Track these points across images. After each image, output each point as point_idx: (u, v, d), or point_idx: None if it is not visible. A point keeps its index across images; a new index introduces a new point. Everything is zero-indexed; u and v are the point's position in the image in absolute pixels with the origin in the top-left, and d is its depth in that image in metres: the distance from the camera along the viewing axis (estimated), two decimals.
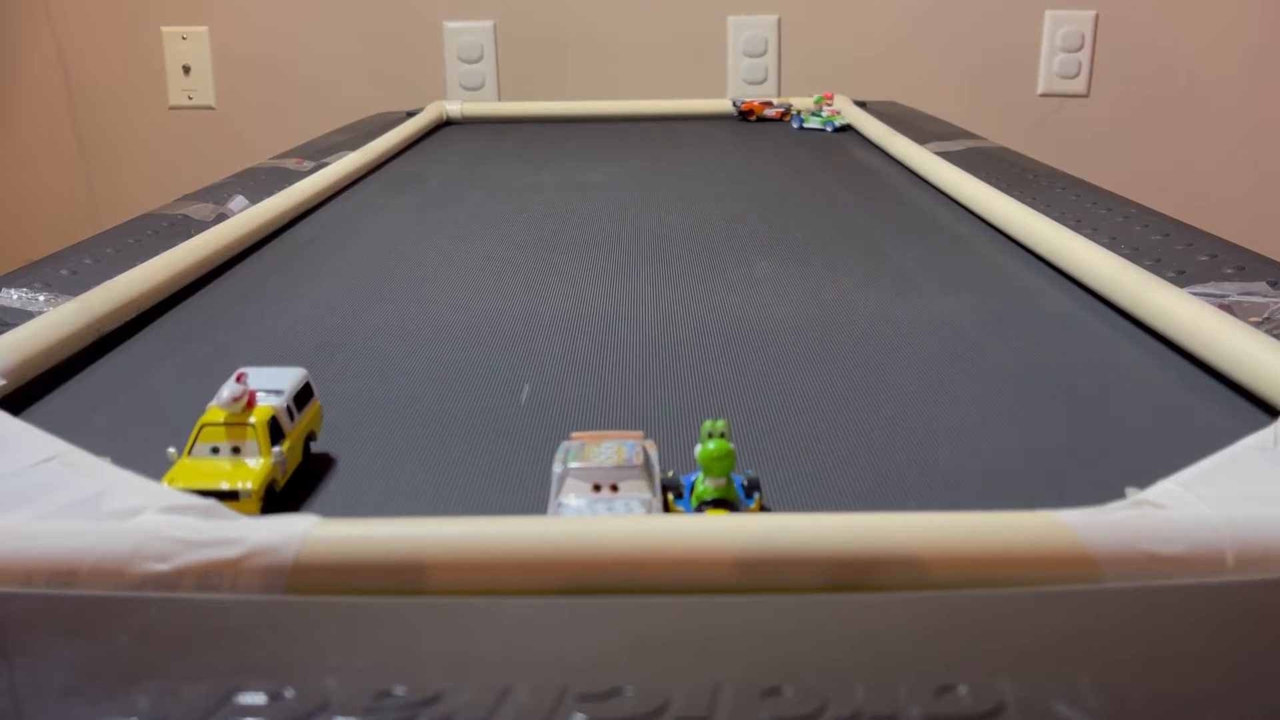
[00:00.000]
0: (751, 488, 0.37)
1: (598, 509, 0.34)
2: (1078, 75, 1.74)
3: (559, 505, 0.35)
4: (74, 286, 0.62)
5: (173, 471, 0.37)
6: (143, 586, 0.29)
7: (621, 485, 0.35)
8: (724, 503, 0.34)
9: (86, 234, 0.80)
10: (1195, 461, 0.36)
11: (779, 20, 1.75)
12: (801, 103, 1.37)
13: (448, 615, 0.28)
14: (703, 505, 0.35)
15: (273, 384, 0.40)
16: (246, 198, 0.90)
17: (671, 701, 0.24)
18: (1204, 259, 0.67)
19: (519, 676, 0.25)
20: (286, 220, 0.84)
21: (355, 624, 0.28)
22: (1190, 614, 0.28)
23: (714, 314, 0.61)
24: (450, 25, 1.76)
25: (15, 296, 0.62)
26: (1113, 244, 0.70)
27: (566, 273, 0.70)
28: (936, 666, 0.25)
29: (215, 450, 0.38)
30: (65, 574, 0.29)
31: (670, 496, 0.36)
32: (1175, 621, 0.27)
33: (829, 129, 1.28)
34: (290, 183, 0.92)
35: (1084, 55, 1.73)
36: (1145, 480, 0.35)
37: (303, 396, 0.42)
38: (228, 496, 0.36)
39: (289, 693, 0.24)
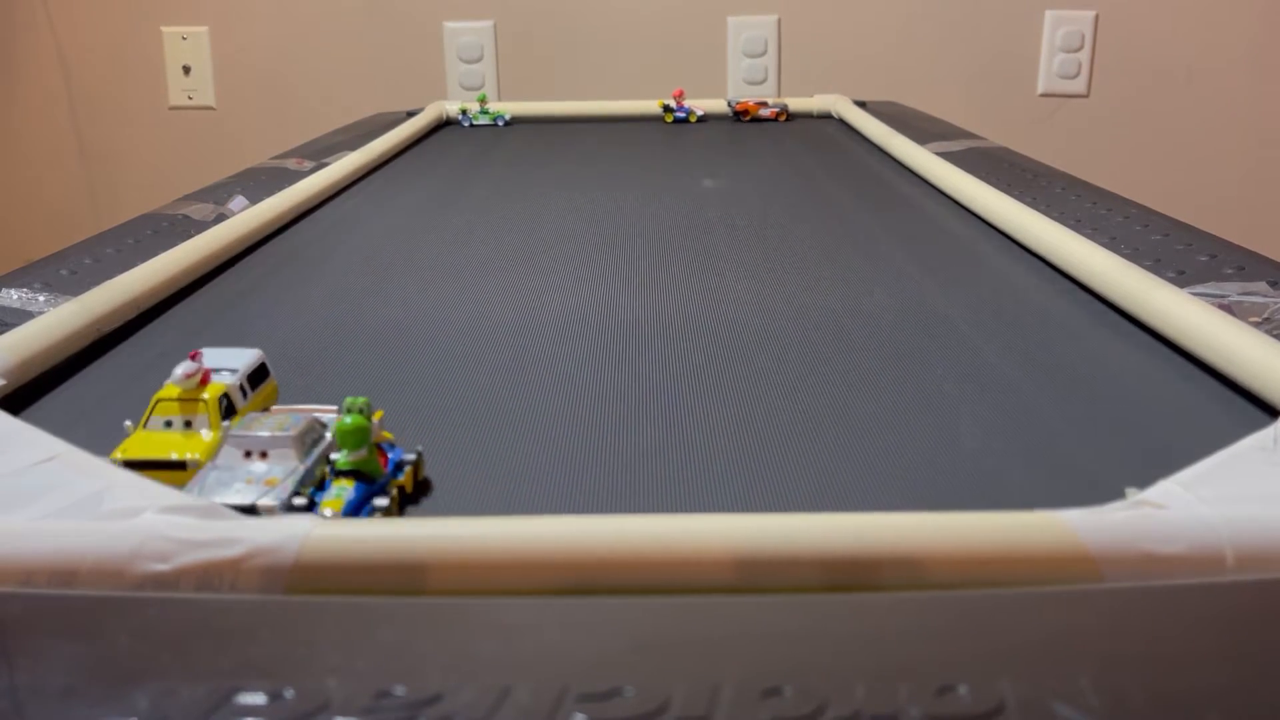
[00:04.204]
0: (403, 465, 0.39)
1: (232, 473, 0.37)
2: (1078, 75, 1.74)
3: (210, 467, 0.37)
4: (74, 286, 0.62)
5: (126, 443, 0.39)
6: (143, 586, 0.29)
7: (271, 454, 0.37)
8: (358, 474, 0.37)
9: (86, 234, 0.80)
10: (1195, 461, 0.36)
11: (779, 20, 1.75)
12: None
13: (448, 615, 0.28)
14: (339, 474, 0.37)
15: (227, 363, 0.42)
16: (246, 198, 0.90)
17: (671, 701, 0.24)
18: (1204, 259, 0.67)
19: (519, 676, 0.25)
20: (286, 220, 0.84)
21: (355, 624, 0.28)
22: (1190, 614, 0.28)
23: (714, 313, 0.61)
24: (450, 25, 1.76)
25: (15, 296, 0.62)
26: (1113, 244, 0.70)
27: (566, 273, 0.70)
28: (936, 666, 0.25)
29: (169, 424, 0.39)
30: (65, 574, 0.29)
31: (327, 469, 0.38)
32: (1175, 621, 0.27)
33: (499, 123, 1.40)
34: (290, 183, 0.92)
35: (1084, 55, 1.73)
36: (1145, 480, 0.35)
37: (257, 376, 0.43)
38: (176, 466, 0.38)
39: (289, 693, 0.24)
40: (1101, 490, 0.38)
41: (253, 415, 0.39)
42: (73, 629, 0.27)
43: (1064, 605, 0.28)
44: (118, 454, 0.38)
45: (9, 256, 1.44)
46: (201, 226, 0.80)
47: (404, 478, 0.39)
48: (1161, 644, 0.26)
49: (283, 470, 0.37)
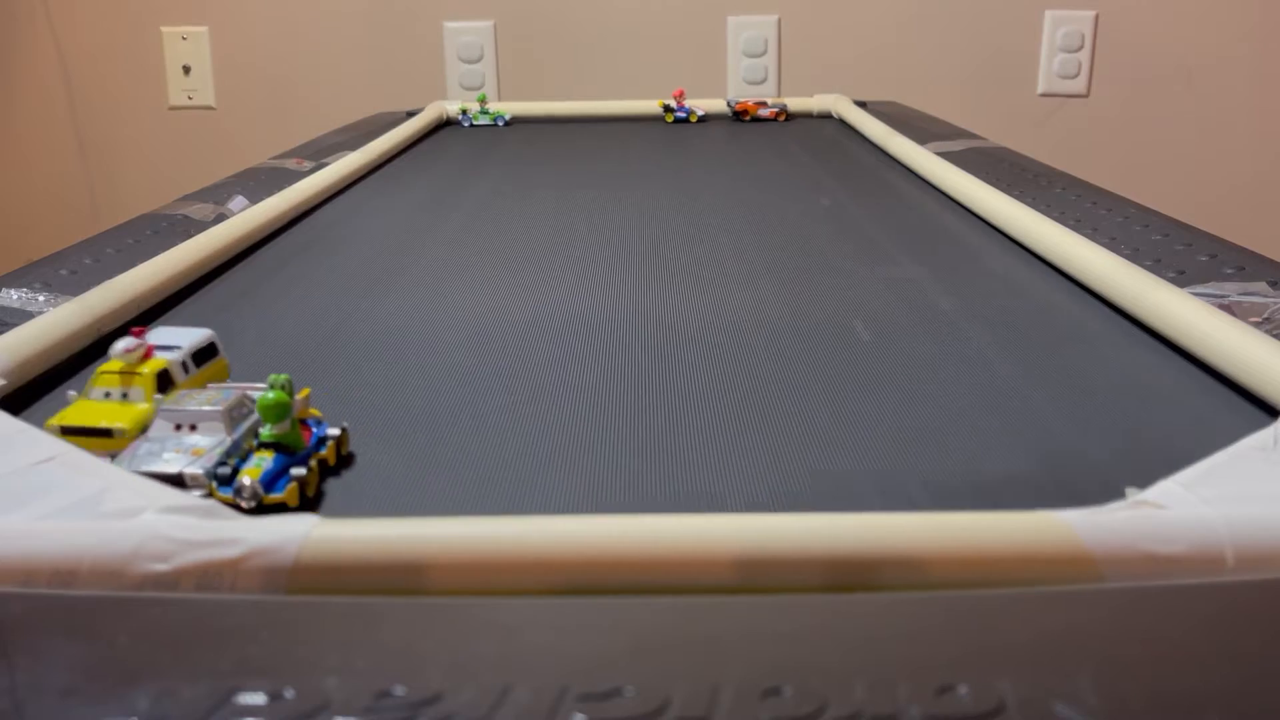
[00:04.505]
0: (326, 439, 0.41)
1: (162, 444, 0.39)
2: (1078, 75, 1.74)
3: (142, 439, 0.40)
4: (74, 286, 0.62)
5: (65, 410, 0.42)
6: (143, 586, 0.29)
7: (200, 426, 0.40)
8: (279, 446, 0.39)
9: (86, 234, 0.80)
10: (1195, 461, 0.36)
11: (779, 20, 1.75)
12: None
13: (448, 615, 0.28)
14: (262, 445, 0.39)
15: (173, 341, 0.45)
16: (246, 198, 0.90)
17: (671, 701, 0.24)
18: (1204, 259, 0.67)
19: (519, 676, 0.25)
20: (286, 220, 0.84)
21: (355, 624, 0.28)
22: (1190, 614, 0.28)
23: (714, 313, 0.61)
24: (450, 25, 1.76)
25: (15, 296, 0.62)
26: (1113, 244, 0.70)
27: (566, 273, 0.70)
28: (936, 666, 0.25)
29: (108, 395, 0.42)
30: (65, 574, 0.29)
31: (254, 442, 0.40)
32: (1175, 621, 0.27)
33: (499, 123, 1.41)
34: (290, 183, 0.92)
35: (1084, 55, 1.73)
36: (1145, 480, 0.35)
37: (203, 354, 0.46)
38: (102, 434, 0.40)
39: (289, 693, 0.24)
40: (1101, 490, 0.38)
41: (185, 391, 0.41)
42: (73, 629, 0.27)
43: (1064, 605, 0.28)
44: (55, 420, 0.41)
45: (9, 256, 1.44)
46: (201, 226, 0.80)
47: (326, 451, 0.41)
48: (1161, 644, 0.26)
49: (210, 442, 0.39)
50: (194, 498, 0.34)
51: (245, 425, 0.40)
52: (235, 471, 0.38)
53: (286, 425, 0.39)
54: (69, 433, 0.41)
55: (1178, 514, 0.31)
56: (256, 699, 0.24)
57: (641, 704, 0.24)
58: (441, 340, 0.57)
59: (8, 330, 0.51)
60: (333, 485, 0.41)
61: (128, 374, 0.43)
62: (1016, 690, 0.24)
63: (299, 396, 0.41)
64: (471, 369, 0.53)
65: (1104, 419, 0.46)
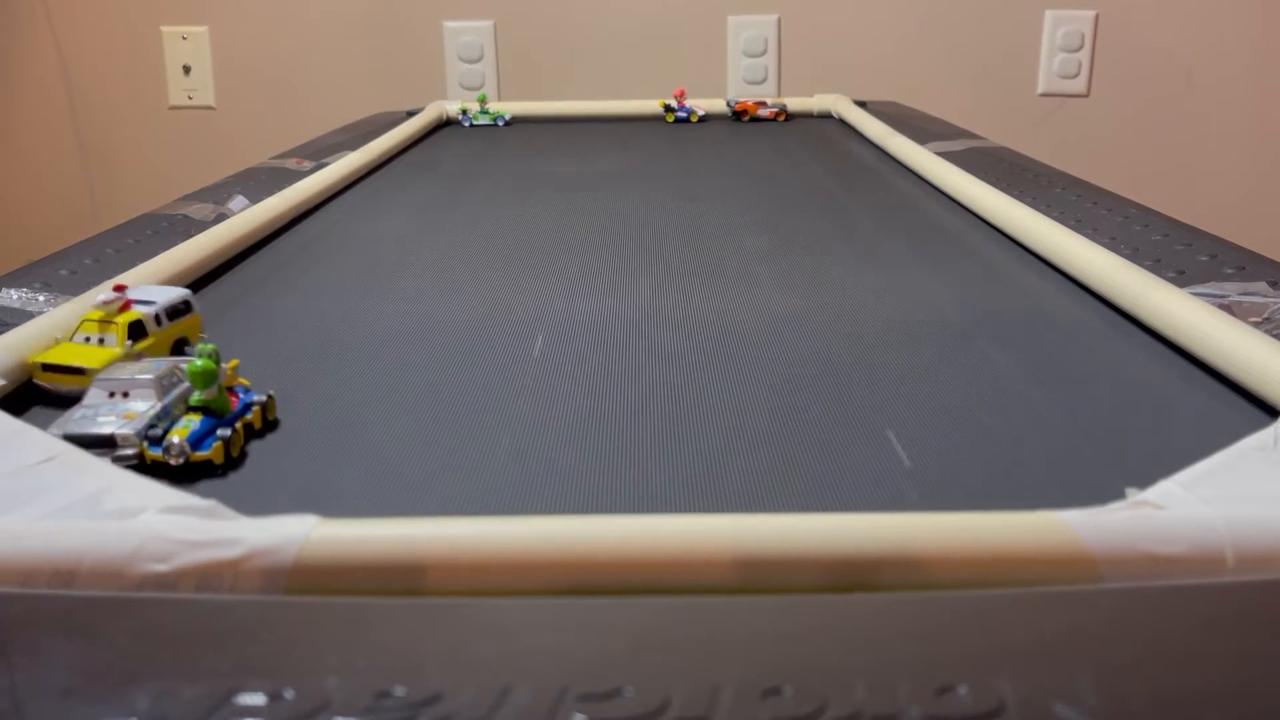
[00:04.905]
0: (252, 405, 0.45)
1: (96, 410, 0.42)
2: (1078, 75, 1.74)
3: (77, 406, 0.43)
4: (74, 286, 0.62)
5: (48, 350, 0.48)
6: (143, 586, 0.29)
7: (132, 393, 0.43)
8: (207, 410, 0.42)
9: (86, 234, 0.80)
10: (1195, 461, 0.36)
11: (779, 20, 1.75)
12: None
13: (448, 615, 0.28)
14: (190, 409, 0.42)
15: (149, 297, 0.51)
16: (246, 198, 0.90)
17: (671, 701, 0.24)
18: (1204, 259, 0.67)
19: (519, 676, 0.25)
20: (286, 220, 0.84)
21: (355, 624, 0.28)
22: (1190, 614, 0.28)
23: (714, 314, 0.61)
24: (450, 25, 1.76)
25: (15, 296, 0.62)
26: (1113, 244, 0.70)
27: (566, 273, 0.70)
28: (936, 666, 0.25)
29: (87, 339, 0.48)
30: (65, 574, 0.29)
31: (184, 408, 0.43)
32: (1175, 621, 0.27)
33: (499, 123, 1.41)
34: (290, 183, 0.92)
35: (1084, 55, 1.73)
36: (1145, 480, 0.35)
37: (177, 310, 0.52)
38: (76, 371, 0.46)
39: (289, 693, 0.24)
40: (1101, 490, 0.38)
41: (119, 362, 0.45)
42: (73, 629, 0.27)
43: (1064, 605, 0.28)
44: (37, 358, 0.47)
45: (9, 256, 1.44)
46: (201, 226, 0.80)
47: (252, 416, 0.44)
48: (1161, 644, 0.26)
49: (142, 407, 0.42)
50: (194, 498, 0.34)
51: (176, 392, 0.43)
52: (166, 433, 0.41)
53: (214, 391, 0.42)
54: (47, 369, 0.46)
55: (1177, 514, 0.31)
56: (256, 699, 0.24)
57: (641, 704, 0.24)
58: (442, 340, 0.57)
59: (8, 330, 0.51)
60: (333, 485, 0.41)
61: (105, 322, 0.49)
62: (1016, 690, 0.24)
63: (226, 366, 0.44)
64: (472, 368, 0.53)
65: (1103, 419, 0.46)
